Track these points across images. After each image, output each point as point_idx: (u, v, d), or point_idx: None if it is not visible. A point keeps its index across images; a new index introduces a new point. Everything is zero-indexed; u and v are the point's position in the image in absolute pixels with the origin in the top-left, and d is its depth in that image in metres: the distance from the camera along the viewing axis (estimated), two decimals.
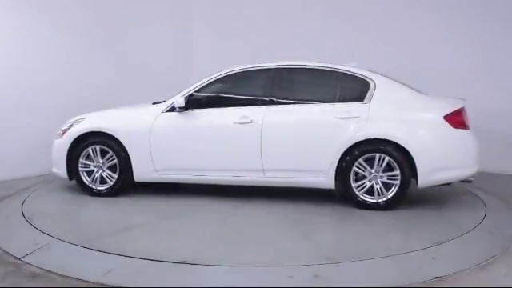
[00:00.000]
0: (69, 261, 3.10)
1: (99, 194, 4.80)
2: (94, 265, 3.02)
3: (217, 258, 3.09)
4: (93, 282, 2.76)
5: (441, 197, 4.69)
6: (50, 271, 2.91)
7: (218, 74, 4.69)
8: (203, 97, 4.71)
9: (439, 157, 4.15)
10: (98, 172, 4.82)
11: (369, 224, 3.91)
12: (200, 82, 4.70)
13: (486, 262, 3.05)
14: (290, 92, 4.66)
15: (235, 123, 4.45)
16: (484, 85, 6.06)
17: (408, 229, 3.84)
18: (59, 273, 2.88)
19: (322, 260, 3.06)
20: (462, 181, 4.35)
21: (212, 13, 8.15)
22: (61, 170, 4.88)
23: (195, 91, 4.67)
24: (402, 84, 4.43)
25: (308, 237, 3.58)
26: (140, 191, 4.99)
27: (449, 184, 4.36)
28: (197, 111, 4.61)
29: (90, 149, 4.79)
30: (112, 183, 4.78)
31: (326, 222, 4.07)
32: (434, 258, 3.10)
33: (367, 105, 4.29)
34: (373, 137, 4.19)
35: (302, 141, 4.34)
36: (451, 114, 4.17)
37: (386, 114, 4.27)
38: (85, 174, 4.84)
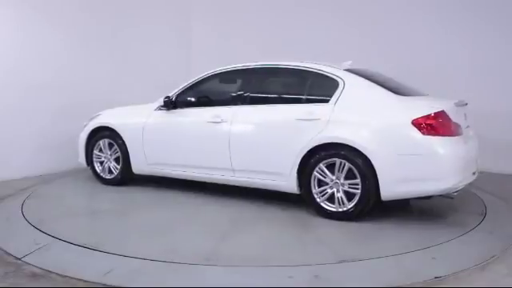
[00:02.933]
0: (69, 261, 3.10)
1: (107, 182, 5.28)
2: (94, 265, 3.02)
3: (114, 245, 3.30)
4: (93, 282, 2.76)
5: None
6: (50, 271, 2.92)
7: (203, 75, 4.83)
8: (188, 96, 4.88)
9: (404, 166, 3.67)
10: (106, 163, 5.30)
11: (318, 232, 3.72)
12: (188, 82, 4.89)
13: (486, 262, 3.05)
14: (262, 92, 4.63)
15: (209, 122, 4.53)
16: (484, 84, 6.04)
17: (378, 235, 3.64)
18: (59, 273, 2.88)
19: (199, 260, 3.06)
20: (443, 196, 3.85)
21: (212, 13, 8.14)
22: (82, 159, 5.46)
23: (182, 91, 4.87)
24: (377, 84, 4.06)
25: (225, 238, 3.54)
26: (145, 182, 5.31)
27: (428, 198, 3.86)
28: (181, 110, 4.83)
29: (100, 142, 5.30)
30: (116, 174, 5.22)
31: (267, 226, 3.85)
32: (433, 258, 3.11)
33: (332, 106, 4.00)
34: (330, 141, 3.90)
35: (265, 142, 4.25)
36: (421, 118, 3.68)
37: (349, 117, 3.93)
38: (98, 164, 5.35)
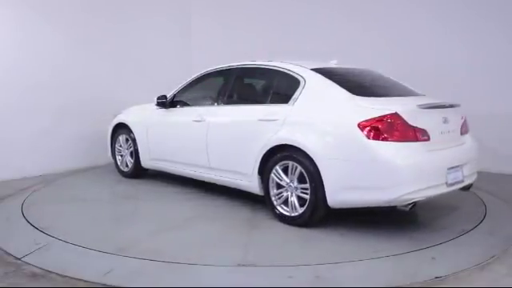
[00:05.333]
0: (69, 261, 3.11)
1: (124, 175, 5.75)
2: (93, 265, 3.02)
3: (58, 230, 3.65)
4: (93, 282, 2.76)
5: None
6: (50, 271, 2.92)
7: (196, 75, 5.01)
8: (183, 96, 5.08)
9: (349, 172, 3.43)
10: (124, 157, 5.74)
11: (260, 234, 3.65)
12: (185, 82, 5.09)
13: (486, 262, 3.05)
14: (236, 92, 4.66)
15: (193, 121, 4.67)
16: (485, 84, 6.02)
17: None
18: (59, 273, 2.89)
19: (111, 249, 3.21)
20: (397, 207, 3.44)
21: (212, 8, 8.15)
22: (109, 153, 5.95)
23: (178, 91, 5.10)
24: (337, 84, 3.81)
25: (160, 233, 3.66)
26: (155, 177, 5.68)
27: (395, 207, 3.47)
28: (175, 109, 5.07)
29: (120, 137, 5.76)
30: (130, 167, 5.66)
31: (218, 225, 3.87)
32: (433, 258, 3.11)
33: (290, 106, 3.88)
34: (283, 142, 3.79)
35: (233, 142, 4.29)
36: (367, 121, 3.39)
37: (302, 118, 3.78)
38: (119, 157, 5.81)
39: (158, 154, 5.24)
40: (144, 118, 5.41)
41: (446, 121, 3.70)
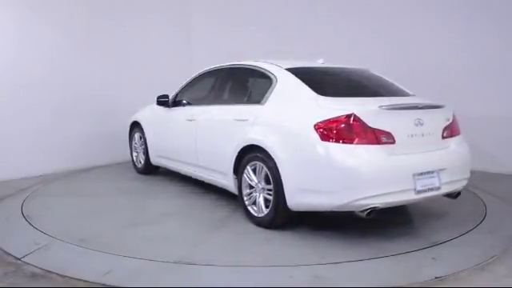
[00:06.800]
0: (68, 261, 3.11)
1: (138, 171, 5.96)
2: (93, 265, 3.02)
3: (37, 220, 3.94)
4: (93, 282, 2.76)
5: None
6: (49, 271, 2.92)
7: (195, 75, 5.14)
8: (183, 95, 5.17)
9: (304, 175, 3.35)
10: (138, 154, 5.95)
11: (226, 233, 3.67)
12: (186, 81, 5.22)
13: (486, 263, 3.05)
14: (224, 92, 4.72)
15: (186, 120, 4.79)
16: (485, 84, 6.02)
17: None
18: (59, 273, 2.89)
19: (71, 240, 3.36)
20: (356, 213, 3.26)
21: (213, 7, 8.17)
22: (128, 150, 6.16)
23: (179, 91, 5.22)
24: (305, 83, 3.70)
25: (125, 228, 3.77)
26: (166, 174, 5.77)
27: (352, 212, 3.30)
28: (175, 108, 5.15)
29: (135, 135, 5.96)
30: (142, 163, 5.86)
31: (185, 223, 3.93)
32: (433, 258, 3.11)
33: (262, 106, 3.88)
34: (251, 143, 3.79)
35: (214, 141, 4.36)
36: (323, 122, 3.27)
37: (269, 118, 3.76)
38: (135, 154, 6.02)
39: (161, 152, 5.40)
40: (152, 116, 5.58)
41: (419, 123, 3.45)
